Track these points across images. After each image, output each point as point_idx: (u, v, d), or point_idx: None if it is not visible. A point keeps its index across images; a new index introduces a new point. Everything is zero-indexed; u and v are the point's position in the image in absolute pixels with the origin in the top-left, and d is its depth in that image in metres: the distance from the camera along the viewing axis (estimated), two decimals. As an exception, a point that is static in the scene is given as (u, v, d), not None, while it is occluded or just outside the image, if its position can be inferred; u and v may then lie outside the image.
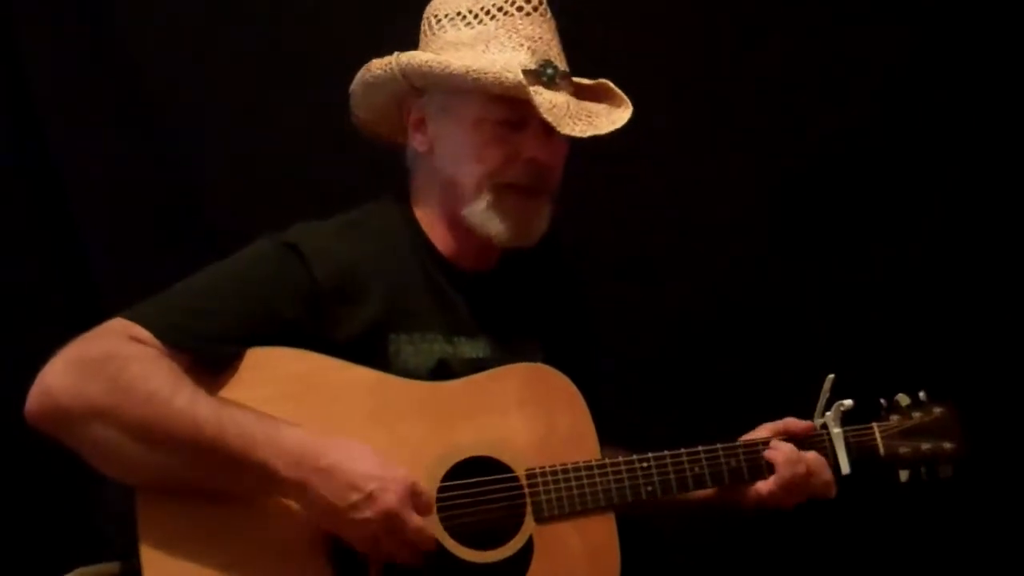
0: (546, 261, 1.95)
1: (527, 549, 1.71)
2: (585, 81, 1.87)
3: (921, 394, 2.03)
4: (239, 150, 2.35)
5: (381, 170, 1.96)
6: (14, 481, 2.23)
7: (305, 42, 2.34)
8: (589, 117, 1.77)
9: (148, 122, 2.34)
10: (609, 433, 1.88)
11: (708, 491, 1.90)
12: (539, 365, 1.82)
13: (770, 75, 2.51)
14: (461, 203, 1.79)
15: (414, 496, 1.60)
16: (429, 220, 1.84)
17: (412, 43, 1.86)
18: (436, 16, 1.82)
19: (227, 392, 1.63)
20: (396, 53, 1.79)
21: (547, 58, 1.77)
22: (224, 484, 1.58)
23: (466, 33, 1.78)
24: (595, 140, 1.76)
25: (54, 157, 2.30)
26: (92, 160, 2.32)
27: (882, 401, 2.01)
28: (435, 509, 1.66)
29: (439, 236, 1.83)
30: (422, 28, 1.85)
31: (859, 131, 2.53)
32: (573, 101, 1.77)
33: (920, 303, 2.52)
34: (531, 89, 1.71)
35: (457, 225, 1.81)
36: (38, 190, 2.31)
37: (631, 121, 1.80)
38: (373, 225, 1.82)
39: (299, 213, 1.81)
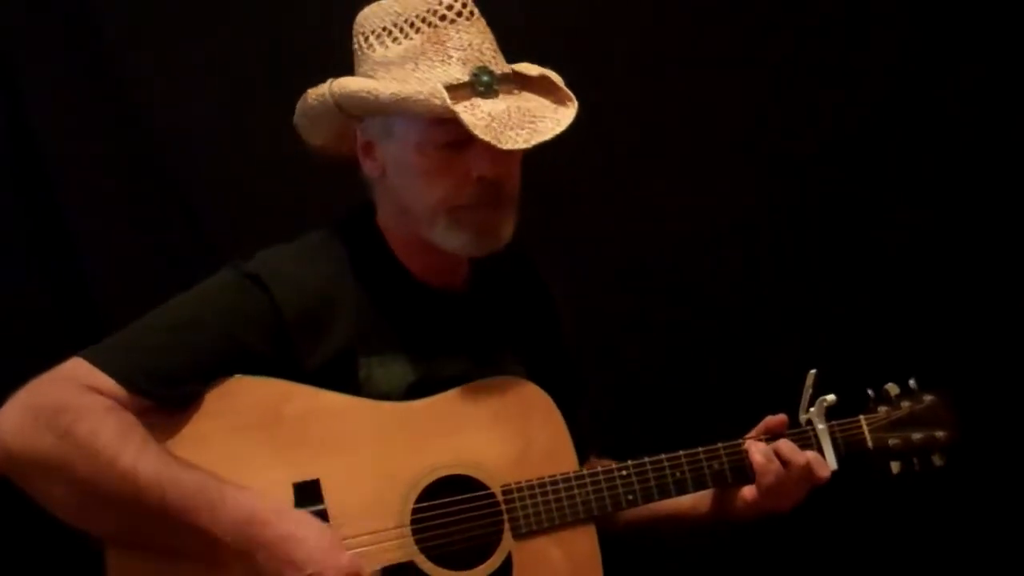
0: (518, 277, 1.92)
1: (506, 566, 1.70)
2: (530, 71, 1.76)
3: (911, 382, 1.97)
4: (237, 162, 2.35)
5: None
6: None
7: (304, 53, 2.32)
8: (532, 123, 1.66)
9: (147, 133, 2.35)
10: (596, 447, 1.87)
11: (697, 507, 1.88)
12: (512, 378, 1.79)
13: (764, 81, 2.51)
14: (419, 226, 1.74)
15: None
16: (395, 238, 1.80)
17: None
18: (363, 33, 1.73)
19: (196, 423, 1.63)
20: (330, 80, 1.73)
21: (481, 64, 1.67)
22: (171, 542, 1.57)
23: (394, 51, 1.69)
24: (589, 148, 1.71)
25: (52, 170, 2.31)
26: (88, 171, 2.33)
27: (870, 392, 1.96)
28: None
29: (406, 254, 1.79)
30: (354, 46, 1.76)
31: (847, 135, 2.54)
32: (515, 105, 1.67)
33: (909, 293, 2.51)
34: (465, 105, 1.62)
35: (421, 243, 1.76)
36: (33, 201, 2.32)
37: (627, 129, 1.77)
38: (338, 247, 1.78)
39: (297, 223, 1.81)
